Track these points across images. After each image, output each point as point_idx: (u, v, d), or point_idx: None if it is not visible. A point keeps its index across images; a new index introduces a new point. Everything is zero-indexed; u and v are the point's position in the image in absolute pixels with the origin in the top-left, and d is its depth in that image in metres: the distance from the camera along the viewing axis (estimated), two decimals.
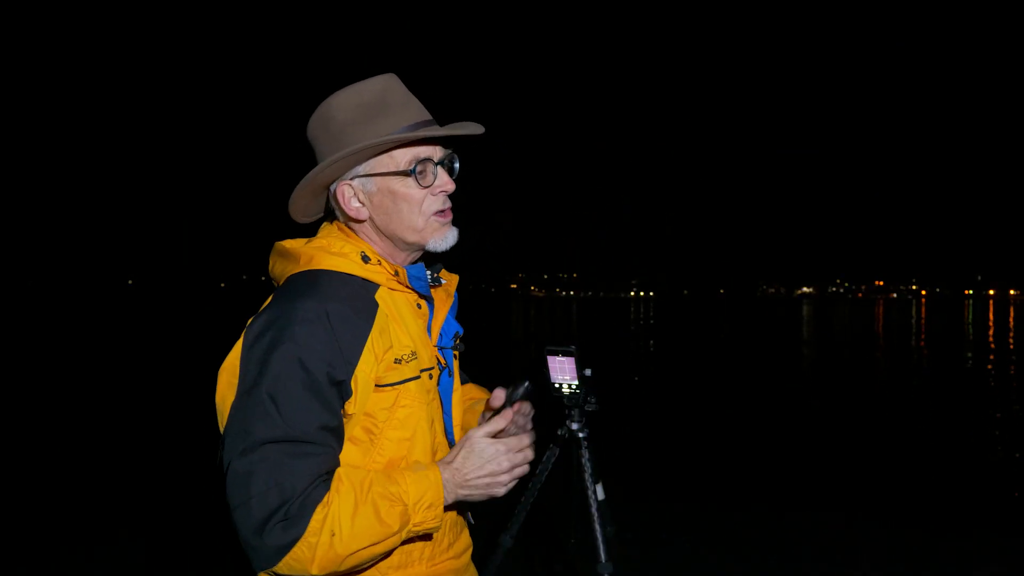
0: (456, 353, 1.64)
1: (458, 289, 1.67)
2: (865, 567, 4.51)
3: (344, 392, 1.35)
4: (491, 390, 1.67)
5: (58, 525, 5.09)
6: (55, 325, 30.83)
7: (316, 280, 1.41)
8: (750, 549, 4.79)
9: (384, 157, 1.45)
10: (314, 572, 1.25)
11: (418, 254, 1.56)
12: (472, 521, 1.69)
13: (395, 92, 1.47)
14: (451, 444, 1.57)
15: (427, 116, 1.49)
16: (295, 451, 1.26)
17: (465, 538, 1.62)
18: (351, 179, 1.47)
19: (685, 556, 4.66)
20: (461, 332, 1.66)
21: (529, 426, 1.68)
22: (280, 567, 1.24)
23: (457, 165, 1.54)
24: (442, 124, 1.51)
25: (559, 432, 2.48)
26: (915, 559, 4.64)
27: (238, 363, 1.34)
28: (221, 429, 1.34)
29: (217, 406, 1.37)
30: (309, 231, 1.59)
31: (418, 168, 1.45)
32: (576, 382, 2.20)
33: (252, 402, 1.29)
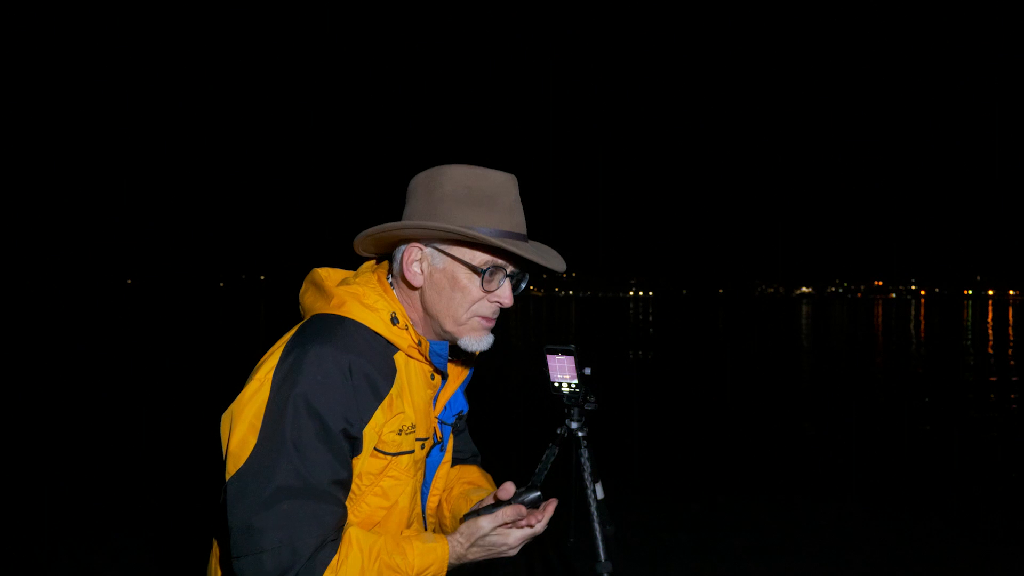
0: (459, 430, 1.67)
1: (477, 360, 1.65)
2: (865, 563, 4.51)
3: (356, 448, 1.36)
4: (498, 483, 1.59)
5: (57, 524, 5.09)
6: (54, 324, 30.80)
7: (341, 328, 1.39)
8: (752, 547, 4.80)
9: (465, 247, 1.44)
10: None
11: (442, 338, 1.53)
12: None
13: (507, 194, 1.46)
14: (423, 514, 1.58)
15: (523, 230, 1.49)
16: (309, 507, 1.26)
17: None
18: (427, 245, 1.46)
19: (685, 554, 4.66)
20: (465, 411, 1.66)
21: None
22: None
23: (524, 285, 1.54)
24: (532, 238, 1.51)
25: (559, 431, 2.48)
26: (914, 554, 4.64)
27: (262, 407, 1.31)
28: (233, 467, 1.31)
29: (232, 445, 1.32)
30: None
31: (489, 272, 1.44)
32: (575, 381, 2.21)
33: (277, 448, 1.27)
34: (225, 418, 1.36)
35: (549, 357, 2.20)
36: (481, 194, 1.42)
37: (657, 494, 6.01)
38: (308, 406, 1.29)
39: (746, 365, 17.28)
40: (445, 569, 1.38)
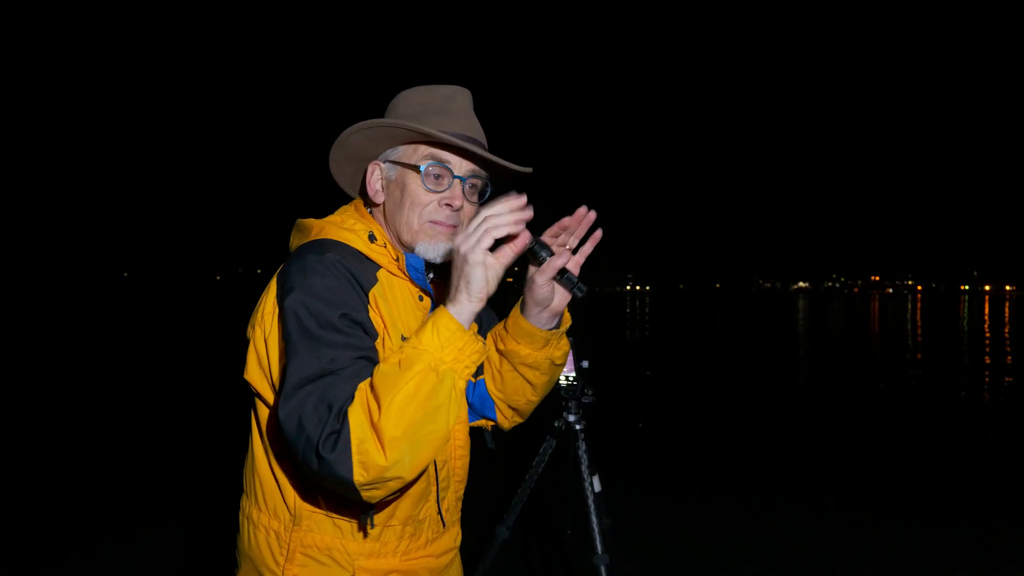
0: None
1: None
2: (858, 560, 4.53)
3: (369, 331, 1.35)
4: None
5: (54, 521, 5.09)
6: (51, 318, 30.74)
7: (323, 246, 1.43)
8: (748, 540, 4.81)
9: (410, 148, 1.48)
10: (386, 460, 1.17)
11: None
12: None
13: (458, 103, 1.50)
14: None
15: (477, 137, 1.50)
16: (334, 379, 1.24)
17: (448, 541, 1.59)
18: (383, 161, 1.52)
19: (681, 547, 4.67)
20: None
21: None
22: (357, 476, 1.17)
23: (484, 195, 1.53)
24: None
25: (556, 424, 2.49)
26: (912, 549, 4.66)
27: (270, 318, 1.38)
28: (266, 382, 1.40)
29: (254, 364, 1.42)
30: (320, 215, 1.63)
31: (429, 168, 1.45)
32: (573, 374, 2.21)
33: (291, 350, 1.28)
34: (252, 352, 1.44)
35: None
36: (431, 106, 1.47)
37: (654, 487, 6.02)
38: (307, 302, 1.30)
39: (743, 360, 17.30)
40: (469, 320, 1.26)
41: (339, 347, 1.27)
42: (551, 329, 1.57)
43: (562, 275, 1.46)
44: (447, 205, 1.47)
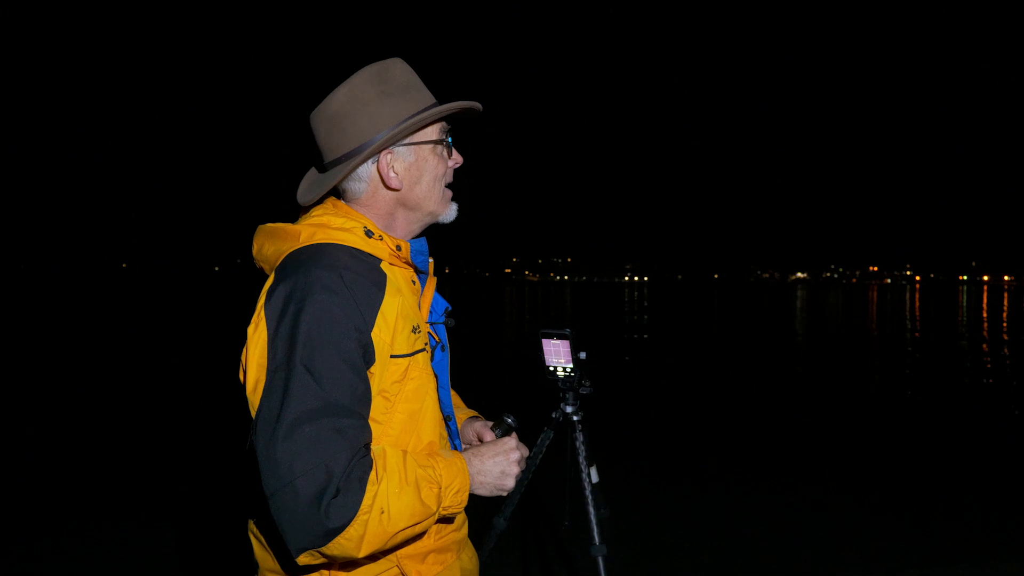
0: (450, 325, 1.67)
1: (449, 272, 1.68)
2: (858, 548, 4.55)
3: (368, 357, 1.34)
4: (469, 405, 1.85)
5: (56, 520, 5.09)
6: (49, 309, 30.72)
7: (321, 251, 1.40)
8: (744, 530, 4.82)
9: (420, 131, 1.53)
10: (362, 552, 1.24)
11: (421, 228, 1.59)
12: None
13: (408, 74, 1.55)
14: (448, 420, 1.59)
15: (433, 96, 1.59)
16: (335, 425, 1.24)
17: (463, 514, 1.63)
18: (395, 147, 1.52)
19: (679, 538, 4.68)
20: (450, 307, 1.67)
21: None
22: (330, 548, 1.21)
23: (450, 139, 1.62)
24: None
25: (553, 415, 2.48)
26: (904, 540, 4.68)
27: (265, 344, 1.31)
28: (254, 412, 1.31)
29: (248, 392, 1.34)
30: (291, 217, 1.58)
31: (447, 141, 1.56)
32: (571, 365, 2.20)
33: (287, 376, 1.26)
34: (242, 376, 1.37)
35: (544, 341, 2.19)
36: (394, 87, 1.50)
37: (652, 478, 6.04)
38: (311, 328, 1.28)
39: (741, 351, 17.33)
40: (468, 482, 1.44)
41: (345, 382, 1.28)
42: None
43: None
44: (454, 166, 1.60)
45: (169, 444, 6.85)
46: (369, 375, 1.35)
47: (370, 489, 1.23)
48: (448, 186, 1.58)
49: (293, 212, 1.57)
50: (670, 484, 5.88)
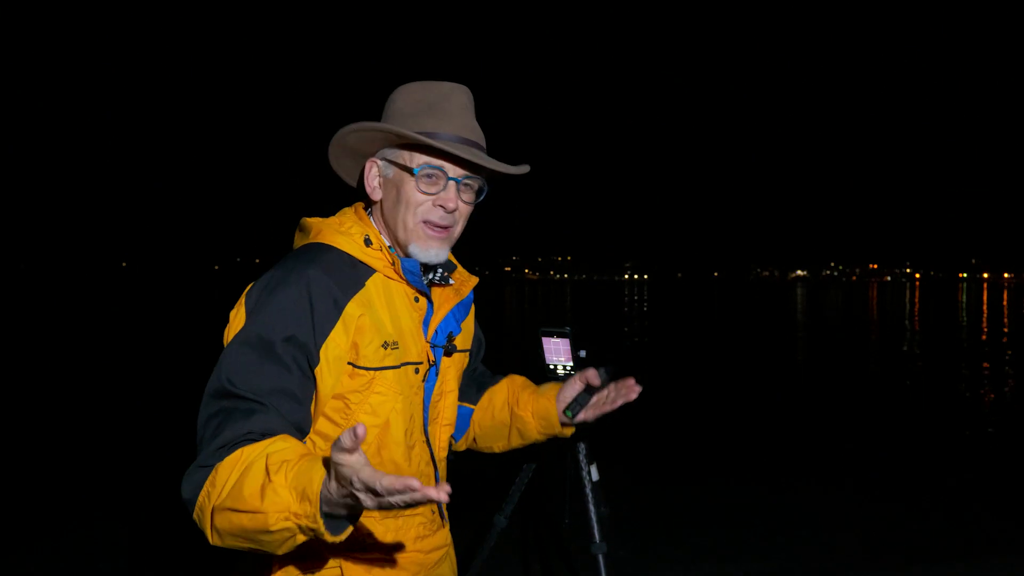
0: (450, 352, 1.61)
1: (467, 282, 1.65)
2: (860, 546, 4.55)
3: (312, 359, 1.35)
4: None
5: (55, 517, 5.10)
6: (49, 307, 30.69)
7: (314, 251, 1.43)
8: (744, 528, 4.83)
9: (405, 151, 1.48)
10: (207, 528, 1.21)
11: (406, 253, 1.54)
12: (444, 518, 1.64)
13: (455, 102, 1.49)
14: (428, 442, 1.56)
15: (473, 138, 1.50)
16: (235, 406, 1.26)
17: (439, 539, 1.58)
18: (380, 159, 1.51)
19: (679, 535, 4.69)
20: (456, 333, 1.64)
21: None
22: (194, 515, 1.24)
23: (481, 194, 1.54)
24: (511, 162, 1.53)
25: None
26: (906, 538, 4.68)
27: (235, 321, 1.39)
28: None
29: None
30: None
31: (424, 172, 1.45)
32: (571, 364, 2.21)
33: (224, 354, 1.32)
34: None
35: (544, 339, 2.20)
36: (426, 104, 1.47)
37: (652, 476, 6.04)
38: (256, 320, 1.33)
39: (741, 349, 17.32)
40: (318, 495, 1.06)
41: (262, 376, 1.29)
42: (564, 425, 1.76)
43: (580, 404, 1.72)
44: (440, 206, 1.47)
45: (169, 444, 6.85)
46: (316, 374, 1.36)
47: (225, 463, 1.18)
48: (441, 226, 1.49)
49: (297, 215, 1.61)
50: (670, 483, 5.89)
